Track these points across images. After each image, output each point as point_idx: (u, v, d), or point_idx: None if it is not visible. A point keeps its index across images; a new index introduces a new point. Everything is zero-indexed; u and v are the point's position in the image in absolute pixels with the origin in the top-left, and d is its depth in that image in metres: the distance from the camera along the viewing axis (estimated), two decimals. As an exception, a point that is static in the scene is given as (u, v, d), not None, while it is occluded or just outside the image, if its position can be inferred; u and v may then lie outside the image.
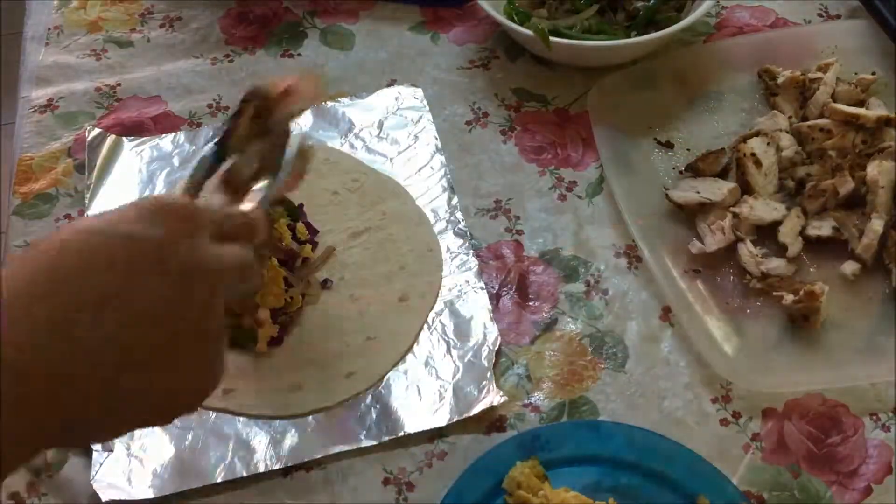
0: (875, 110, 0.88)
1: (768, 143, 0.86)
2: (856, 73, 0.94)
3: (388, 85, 1.00)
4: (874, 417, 0.73)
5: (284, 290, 0.77)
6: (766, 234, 0.82)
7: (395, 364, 0.76)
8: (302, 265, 0.81)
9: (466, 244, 0.84)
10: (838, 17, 1.04)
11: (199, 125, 0.97)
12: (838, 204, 0.83)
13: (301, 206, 0.85)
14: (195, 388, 0.49)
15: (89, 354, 0.43)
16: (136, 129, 0.96)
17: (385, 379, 0.76)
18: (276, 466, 0.71)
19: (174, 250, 0.47)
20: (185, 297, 0.46)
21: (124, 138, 0.95)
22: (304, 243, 0.81)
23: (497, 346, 0.77)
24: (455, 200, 0.88)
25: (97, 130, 0.95)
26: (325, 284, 0.82)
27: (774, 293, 0.78)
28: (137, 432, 0.72)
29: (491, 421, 0.73)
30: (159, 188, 0.90)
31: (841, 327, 0.77)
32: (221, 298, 0.49)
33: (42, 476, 0.71)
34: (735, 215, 0.82)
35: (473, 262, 0.83)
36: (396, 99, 0.98)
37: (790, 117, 0.90)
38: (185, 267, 0.47)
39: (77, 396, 0.44)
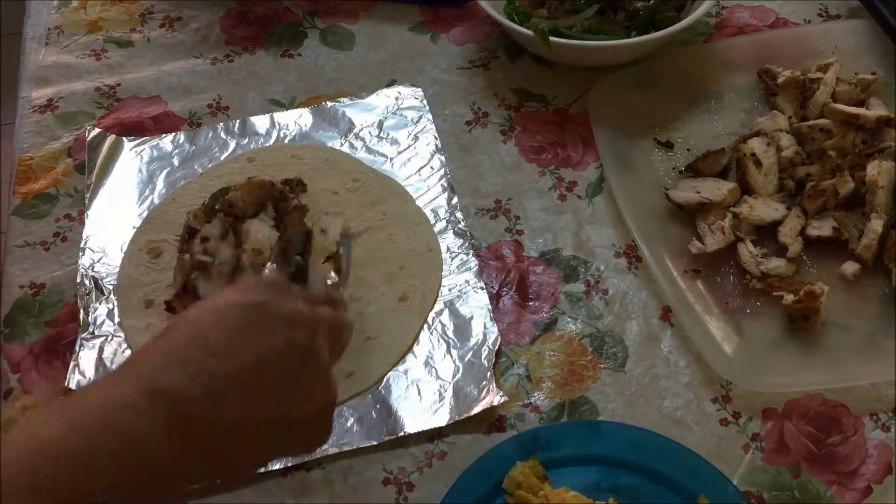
0: (875, 110, 0.88)
1: (768, 143, 0.86)
2: (856, 73, 0.94)
3: (388, 85, 1.00)
4: (874, 417, 0.73)
5: None
6: (766, 234, 0.82)
7: (395, 364, 0.76)
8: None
9: (466, 244, 0.84)
10: (838, 17, 1.04)
11: (199, 125, 0.97)
12: (838, 204, 0.83)
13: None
14: (313, 411, 0.57)
15: (225, 401, 0.52)
16: (136, 129, 0.96)
17: (385, 379, 0.76)
18: (276, 466, 0.71)
19: (277, 308, 0.56)
20: (289, 341, 0.55)
21: (124, 138, 0.95)
22: None
23: (497, 346, 0.77)
24: (455, 200, 0.88)
25: (97, 130, 0.95)
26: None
27: (774, 293, 0.78)
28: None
29: (491, 421, 0.73)
30: (159, 188, 0.90)
31: (841, 327, 0.77)
32: (322, 341, 0.58)
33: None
34: (735, 215, 0.82)
35: (473, 262, 0.83)
36: (396, 99, 0.98)
37: (790, 117, 0.90)
38: (286, 318, 0.56)
39: (219, 434, 0.53)
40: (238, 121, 0.96)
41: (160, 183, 0.91)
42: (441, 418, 0.73)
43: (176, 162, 0.93)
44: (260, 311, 0.55)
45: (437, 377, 0.75)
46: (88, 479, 0.48)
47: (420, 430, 0.72)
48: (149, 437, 0.50)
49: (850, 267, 0.79)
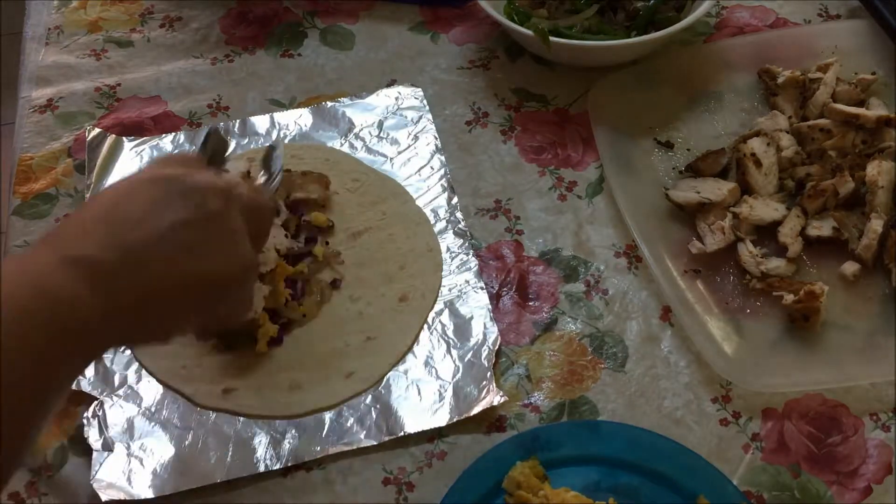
0: (875, 110, 0.88)
1: (768, 143, 0.86)
2: (856, 73, 0.94)
3: (388, 85, 1.00)
4: (874, 417, 0.73)
5: (298, 303, 0.79)
6: (766, 234, 0.82)
7: (395, 364, 0.76)
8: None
9: (466, 244, 0.84)
10: (838, 17, 1.04)
11: (199, 125, 0.97)
12: (838, 204, 0.83)
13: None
14: (232, 275, 0.60)
15: (142, 265, 0.55)
16: (136, 129, 0.96)
17: (385, 379, 0.76)
18: (276, 466, 0.71)
19: (189, 178, 0.59)
20: (200, 207, 0.57)
21: (124, 138, 0.95)
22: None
23: (497, 346, 0.77)
24: (455, 200, 0.88)
25: (97, 130, 0.95)
26: (335, 284, 0.82)
27: (774, 293, 0.78)
28: (137, 432, 0.72)
29: (491, 421, 0.73)
30: (159, 188, 0.90)
31: (841, 327, 0.77)
32: (235, 212, 0.60)
33: (42, 476, 0.71)
34: (735, 215, 0.82)
35: (473, 262, 0.83)
36: (396, 99, 0.98)
37: (790, 117, 0.90)
38: (197, 187, 0.58)
39: (144, 284, 0.55)
40: (238, 121, 0.96)
41: (160, 183, 0.91)
42: (441, 418, 0.73)
43: (176, 162, 0.93)
44: (172, 183, 0.58)
45: (437, 377, 0.75)
46: (18, 345, 0.48)
47: (420, 430, 0.72)
48: (72, 298, 0.51)
49: (850, 267, 0.79)
